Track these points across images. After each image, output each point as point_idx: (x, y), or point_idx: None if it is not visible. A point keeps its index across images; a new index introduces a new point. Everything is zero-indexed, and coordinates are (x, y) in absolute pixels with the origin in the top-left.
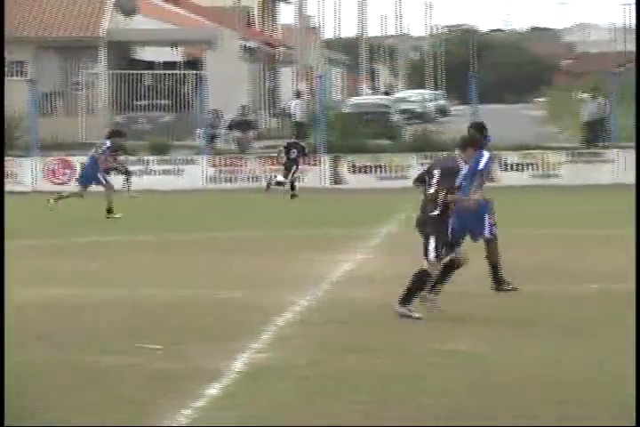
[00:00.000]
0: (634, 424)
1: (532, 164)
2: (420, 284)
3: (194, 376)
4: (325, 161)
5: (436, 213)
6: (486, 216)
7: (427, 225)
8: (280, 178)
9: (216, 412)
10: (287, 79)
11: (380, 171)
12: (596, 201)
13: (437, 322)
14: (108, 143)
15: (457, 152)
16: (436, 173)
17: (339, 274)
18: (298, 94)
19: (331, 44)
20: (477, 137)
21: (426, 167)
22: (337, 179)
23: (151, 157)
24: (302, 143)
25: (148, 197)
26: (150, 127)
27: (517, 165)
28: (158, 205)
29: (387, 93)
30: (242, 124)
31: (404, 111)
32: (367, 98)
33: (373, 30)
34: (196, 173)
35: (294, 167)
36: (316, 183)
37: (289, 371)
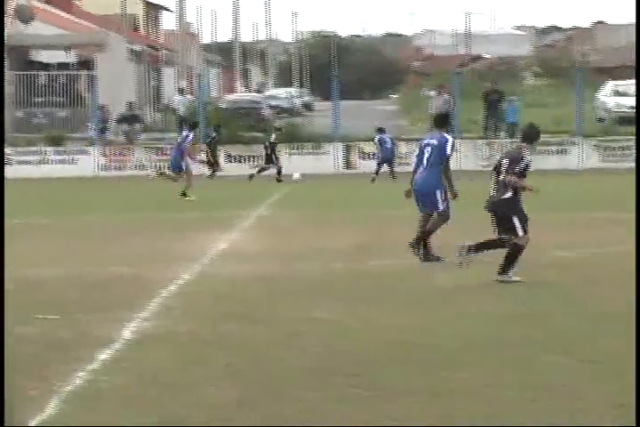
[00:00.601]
0: (634, 424)
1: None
2: (515, 256)
3: (88, 343)
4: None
5: (508, 195)
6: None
7: (503, 207)
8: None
9: (107, 374)
10: (169, 78)
11: (253, 160)
12: None
13: (305, 293)
14: (192, 134)
15: (523, 144)
16: (505, 161)
17: (217, 251)
18: (181, 91)
19: (208, 48)
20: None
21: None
22: (214, 167)
23: (48, 148)
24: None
25: (45, 185)
26: (47, 121)
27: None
28: (54, 191)
29: (258, 91)
30: (129, 118)
31: (273, 107)
32: (241, 95)
33: (246, 35)
34: (89, 163)
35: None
36: (195, 171)
37: (171, 338)
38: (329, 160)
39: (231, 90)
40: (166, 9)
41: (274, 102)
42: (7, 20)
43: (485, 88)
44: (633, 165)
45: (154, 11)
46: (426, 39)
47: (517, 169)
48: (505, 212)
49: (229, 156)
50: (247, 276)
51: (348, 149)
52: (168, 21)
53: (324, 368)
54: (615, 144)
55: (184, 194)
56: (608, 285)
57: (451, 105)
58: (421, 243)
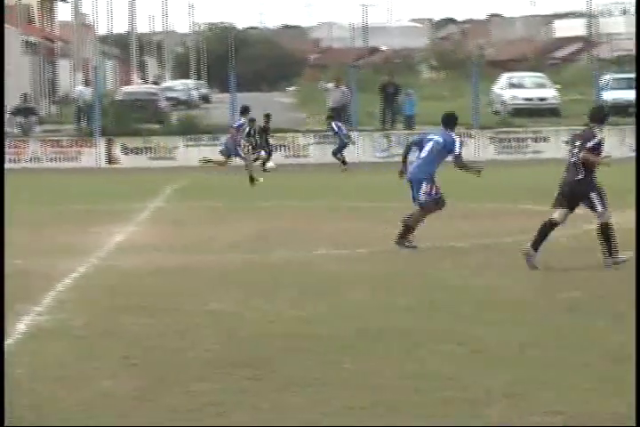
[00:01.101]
0: (634, 424)
1: (284, 145)
2: (611, 234)
3: None
4: (100, 143)
5: (581, 176)
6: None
7: (578, 187)
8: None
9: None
10: (65, 71)
11: (151, 152)
12: (341, 178)
13: (202, 285)
14: (242, 120)
15: (592, 125)
16: (578, 142)
17: (113, 244)
18: (86, 83)
19: (104, 40)
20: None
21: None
22: (111, 159)
23: None
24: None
25: None
26: None
27: (272, 146)
28: None
29: (155, 83)
30: (24, 111)
31: (170, 99)
32: (137, 87)
33: (143, 27)
34: None
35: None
36: (92, 164)
37: (66, 331)
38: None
39: (128, 82)
40: (62, 0)
41: (171, 94)
42: None
43: (382, 81)
44: (529, 156)
45: (49, 1)
46: (323, 31)
47: (590, 145)
48: (581, 191)
49: (126, 148)
50: (143, 268)
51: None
52: (63, 12)
53: (221, 360)
54: (511, 136)
55: (252, 179)
56: (501, 274)
57: (348, 98)
58: (405, 237)
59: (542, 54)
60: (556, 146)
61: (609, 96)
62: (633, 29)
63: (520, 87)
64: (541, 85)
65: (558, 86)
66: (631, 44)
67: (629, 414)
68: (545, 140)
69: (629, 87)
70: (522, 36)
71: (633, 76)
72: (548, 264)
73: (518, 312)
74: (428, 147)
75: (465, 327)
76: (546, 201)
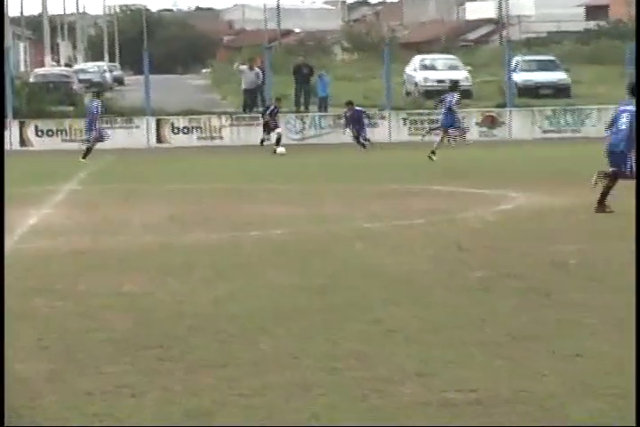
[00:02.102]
0: (634, 424)
1: (198, 127)
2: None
3: None
4: (13, 126)
5: None
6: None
7: None
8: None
9: None
10: None
11: (64, 134)
12: (256, 160)
13: (115, 268)
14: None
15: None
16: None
17: (26, 226)
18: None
19: (16, 21)
20: None
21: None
22: (24, 142)
23: None
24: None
25: None
26: None
27: (185, 128)
28: None
29: (68, 65)
30: None
31: (83, 81)
32: (50, 69)
33: (55, 9)
34: None
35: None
36: (5, 146)
37: None
38: (141, 134)
39: (40, 64)
40: None
41: (84, 76)
42: None
43: (296, 62)
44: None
45: None
46: (237, 13)
47: None
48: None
49: (39, 130)
50: (56, 251)
51: (159, 124)
52: None
53: (134, 341)
54: (423, 117)
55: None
56: (415, 254)
57: (261, 79)
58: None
59: (454, 36)
60: (469, 127)
61: (519, 78)
62: (543, 11)
63: (432, 69)
64: (453, 67)
65: (470, 68)
66: (540, 27)
67: (535, 391)
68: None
69: (538, 69)
70: (434, 18)
71: (542, 58)
72: (461, 245)
73: (431, 292)
74: (623, 119)
75: (379, 307)
76: (458, 182)
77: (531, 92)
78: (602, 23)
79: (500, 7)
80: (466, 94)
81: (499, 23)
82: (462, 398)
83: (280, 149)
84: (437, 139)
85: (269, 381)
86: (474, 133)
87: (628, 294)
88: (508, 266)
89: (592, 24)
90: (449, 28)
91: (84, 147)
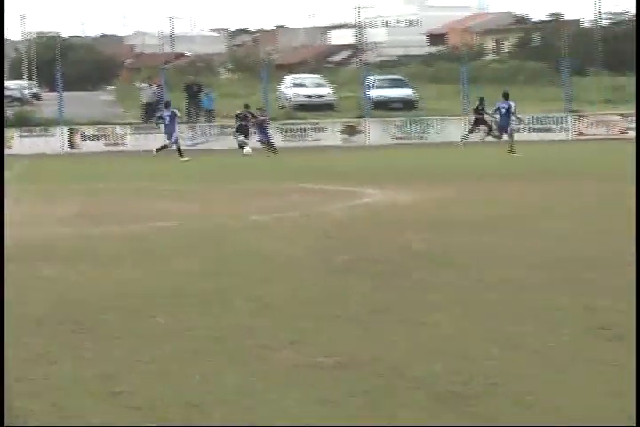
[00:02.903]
0: (634, 424)
1: (105, 135)
2: None
3: None
4: None
5: None
6: None
7: None
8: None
9: None
10: None
11: None
12: (155, 163)
13: (33, 256)
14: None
15: None
16: None
17: None
18: None
19: None
20: None
21: None
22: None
23: None
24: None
25: None
26: None
27: (94, 136)
28: None
29: None
30: None
31: (6, 96)
32: None
33: None
34: None
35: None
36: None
37: None
38: (55, 142)
39: None
40: None
41: (7, 93)
42: None
43: (187, 81)
44: (310, 144)
45: None
46: (137, 39)
47: None
48: None
49: None
50: None
51: (71, 133)
52: None
53: (50, 317)
54: (295, 127)
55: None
56: (289, 242)
57: (158, 95)
58: None
59: (320, 59)
60: (332, 135)
61: (374, 94)
62: (393, 38)
63: (302, 86)
64: (319, 85)
65: (333, 86)
66: (391, 51)
67: (388, 355)
68: (323, 130)
69: (390, 86)
70: (304, 43)
71: (393, 77)
72: (327, 232)
73: (303, 273)
74: (503, 110)
75: (259, 286)
76: (323, 180)
77: (384, 106)
78: (441, 48)
79: (357, 35)
80: (330, 107)
81: (357, 48)
82: (328, 362)
83: (247, 150)
84: (507, 138)
85: (165, 350)
86: (337, 140)
87: (465, 274)
88: (367, 251)
89: (434, 49)
90: (316, 52)
91: (173, 148)
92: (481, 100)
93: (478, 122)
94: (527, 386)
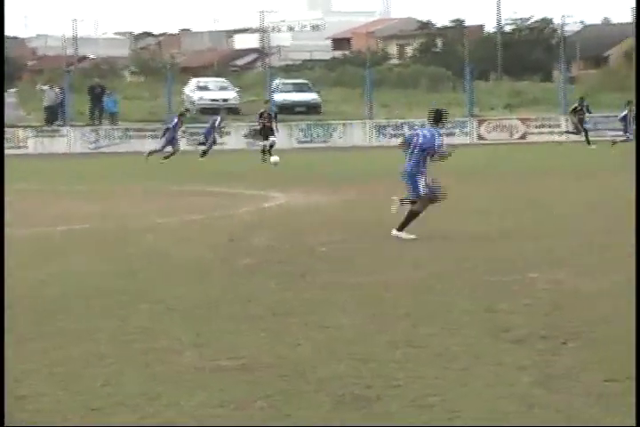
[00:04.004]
0: (634, 424)
1: (7, 138)
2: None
3: None
4: None
5: None
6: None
7: None
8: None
9: None
10: None
11: None
12: (58, 165)
13: None
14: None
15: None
16: None
17: None
18: None
19: None
20: None
21: None
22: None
23: None
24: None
25: None
26: None
27: None
28: None
29: None
30: None
31: None
32: None
33: None
34: None
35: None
36: None
37: None
38: None
39: None
40: None
41: None
42: None
43: (90, 84)
44: (215, 147)
45: None
46: (40, 42)
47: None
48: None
49: None
50: None
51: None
52: None
53: None
54: (200, 130)
55: None
56: (194, 244)
57: (60, 97)
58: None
59: (225, 62)
60: (236, 139)
61: (278, 98)
62: (298, 42)
63: (206, 90)
64: (224, 88)
65: (238, 89)
66: (296, 55)
67: (291, 357)
68: (228, 133)
69: (295, 90)
70: (208, 46)
71: (297, 81)
72: (232, 235)
73: (207, 275)
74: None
75: (163, 288)
76: (229, 183)
77: (288, 110)
78: (345, 53)
79: (262, 39)
80: (234, 111)
81: (261, 52)
82: (232, 365)
83: (274, 158)
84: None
85: (72, 353)
86: (242, 144)
87: (370, 276)
88: (272, 254)
89: (338, 54)
90: (220, 56)
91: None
92: (581, 100)
93: (582, 121)
94: (429, 388)
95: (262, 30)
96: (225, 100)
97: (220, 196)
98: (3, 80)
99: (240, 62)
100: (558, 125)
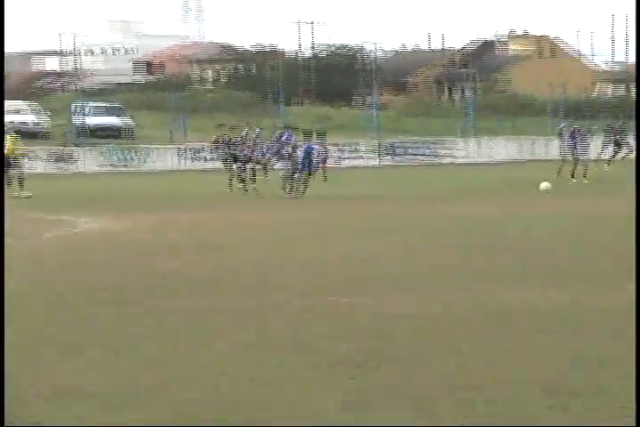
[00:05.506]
0: (634, 424)
1: None
2: None
3: None
4: None
5: None
6: None
7: None
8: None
9: None
10: None
11: None
12: None
13: None
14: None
15: None
16: None
17: None
18: None
19: None
20: None
21: None
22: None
23: None
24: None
25: None
26: None
27: None
28: None
29: None
30: None
31: None
32: None
33: None
34: None
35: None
36: None
37: None
38: None
39: None
40: None
41: None
42: None
43: None
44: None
45: None
46: None
47: None
48: None
49: None
50: None
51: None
52: None
53: None
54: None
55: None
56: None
57: None
58: None
59: (30, 85)
60: (45, 163)
61: (91, 121)
62: (108, 66)
63: (17, 113)
64: (35, 111)
65: (49, 112)
66: (106, 78)
67: (119, 393)
68: (36, 158)
69: (105, 114)
70: (17, 70)
71: (108, 104)
72: (41, 261)
73: (22, 306)
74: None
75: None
76: (35, 209)
77: (101, 133)
78: (156, 77)
79: (70, 61)
80: (46, 135)
81: (70, 75)
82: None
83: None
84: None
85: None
86: (50, 168)
87: (220, 298)
88: (100, 280)
89: (148, 77)
90: (26, 78)
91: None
92: (611, 123)
93: (618, 143)
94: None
95: (71, 53)
96: (36, 124)
97: (27, 221)
98: (2, 81)
99: (47, 85)
100: (373, 151)
